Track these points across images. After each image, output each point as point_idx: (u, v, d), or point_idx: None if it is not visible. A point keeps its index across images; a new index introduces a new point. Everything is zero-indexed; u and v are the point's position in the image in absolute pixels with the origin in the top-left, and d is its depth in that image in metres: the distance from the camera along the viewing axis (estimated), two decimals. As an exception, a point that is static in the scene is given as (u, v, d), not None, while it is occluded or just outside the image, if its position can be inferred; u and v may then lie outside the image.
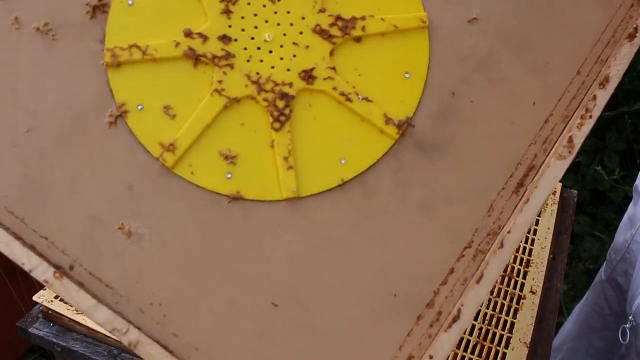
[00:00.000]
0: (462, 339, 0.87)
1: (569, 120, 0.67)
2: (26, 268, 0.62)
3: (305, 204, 0.65)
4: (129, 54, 0.66)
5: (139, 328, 0.61)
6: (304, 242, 0.64)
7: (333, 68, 0.67)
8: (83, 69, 0.66)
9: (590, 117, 0.65)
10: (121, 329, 0.61)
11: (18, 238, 0.62)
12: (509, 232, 0.63)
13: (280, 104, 0.66)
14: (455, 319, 0.61)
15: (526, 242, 1.06)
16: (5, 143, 0.64)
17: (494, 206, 0.65)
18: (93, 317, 0.61)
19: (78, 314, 1.01)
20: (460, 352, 0.89)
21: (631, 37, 0.67)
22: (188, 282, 0.63)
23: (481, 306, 0.88)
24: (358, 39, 0.68)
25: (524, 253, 1.05)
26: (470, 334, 0.91)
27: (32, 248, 0.62)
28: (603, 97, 0.66)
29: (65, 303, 1.03)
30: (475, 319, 0.91)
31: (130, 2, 0.67)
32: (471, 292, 0.62)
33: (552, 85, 0.68)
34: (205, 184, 0.65)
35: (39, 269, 0.61)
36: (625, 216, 1.01)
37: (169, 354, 0.61)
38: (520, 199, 0.65)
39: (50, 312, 0.97)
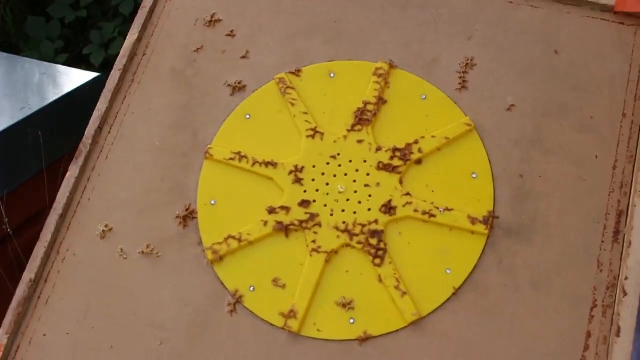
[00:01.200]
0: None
1: (635, 159, 0.71)
2: None
3: (429, 322, 0.68)
4: (227, 245, 0.73)
5: None
6: (442, 356, 0.67)
7: (408, 194, 0.72)
8: (191, 273, 0.73)
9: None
10: None
11: None
12: (626, 278, 0.65)
13: (374, 241, 0.71)
14: (612, 376, 0.62)
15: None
16: (147, 361, 0.71)
17: (601, 261, 0.68)
18: None
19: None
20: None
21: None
22: None
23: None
24: (419, 161, 0.74)
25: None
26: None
27: None
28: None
29: None
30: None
31: (213, 202, 0.75)
32: (616, 347, 0.63)
33: (605, 135, 0.72)
34: (333, 336, 0.69)
35: None
36: None
37: None
38: (623, 245, 0.67)
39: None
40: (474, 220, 0.70)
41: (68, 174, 0.78)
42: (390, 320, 0.69)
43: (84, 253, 0.76)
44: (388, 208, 0.72)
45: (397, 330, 0.68)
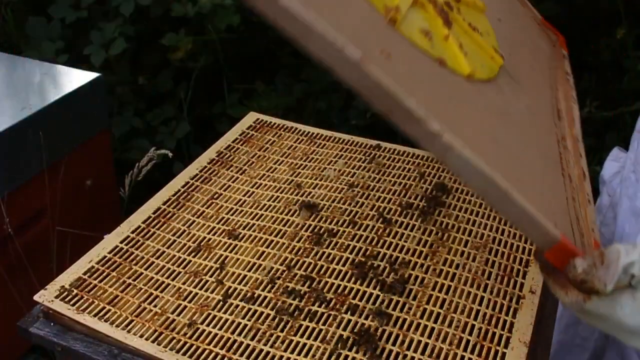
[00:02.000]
0: (461, 338, 0.88)
1: (557, 87, 1.01)
2: (337, 45, 0.60)
3: (478, 84, 0.81)
4: None
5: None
6: (488, 109, 0.79)
7: (459, 9, 0.88)
8: None
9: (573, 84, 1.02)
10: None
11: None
12: (579, 136, 0.90)
13: (443, 15, 0.83)
14: (585, 176, 0.83)
15: (525, 242, 1.04)
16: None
17: (555, 123, 0.92)
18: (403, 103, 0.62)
19: (79, 313, 0.92)
20: (460, 352, 0.86)
21: (565, 58, 1.09)
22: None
23: (480, 305, 0.93)
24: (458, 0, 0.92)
25: (523, 253, 1.02)
26: (470, 334, 0.89)
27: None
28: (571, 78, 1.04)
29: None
30: (475, 318, 0.92)
31: None
32: (581, 161, 0.85)
33: (543, 65, 1.02)
34: (421, 44, 0.75)
35: (349, 48, 0.61)
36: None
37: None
38: (565, 120, 0.93)
39: (51, 311, 0.94)
40: (496, 50, 0.89)
41: None
42: (455, 65, 0.79)
43: None
44: (446, 2, 0.86)
45: (459, 74, 0.79)
